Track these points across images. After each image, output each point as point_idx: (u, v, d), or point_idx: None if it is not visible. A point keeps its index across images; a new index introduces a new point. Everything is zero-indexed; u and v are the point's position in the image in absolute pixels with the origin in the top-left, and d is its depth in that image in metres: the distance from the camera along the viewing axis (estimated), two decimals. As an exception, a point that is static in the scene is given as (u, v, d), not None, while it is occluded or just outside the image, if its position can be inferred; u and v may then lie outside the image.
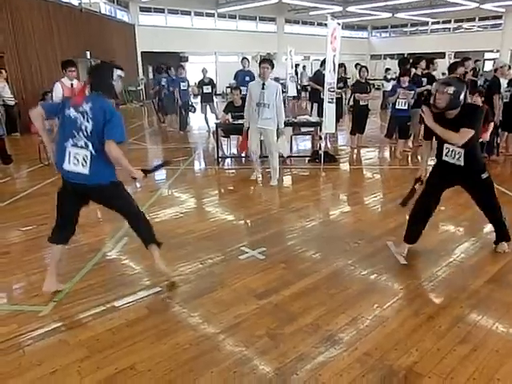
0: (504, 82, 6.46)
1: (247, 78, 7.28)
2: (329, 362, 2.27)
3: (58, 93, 5.66)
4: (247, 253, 3.57)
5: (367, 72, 7.68)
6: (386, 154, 7.76)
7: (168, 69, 10.37)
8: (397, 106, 6.83)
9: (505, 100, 6.41)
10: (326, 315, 2.68)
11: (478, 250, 3.63)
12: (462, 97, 3.04)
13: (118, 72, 2.75)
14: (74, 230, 2.93)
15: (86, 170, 2.65)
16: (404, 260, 3.40)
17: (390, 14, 22.64)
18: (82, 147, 2.64)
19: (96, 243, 3.81)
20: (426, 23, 25.86)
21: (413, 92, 6.72)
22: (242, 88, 7.10)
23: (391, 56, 25.80)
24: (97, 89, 2.71)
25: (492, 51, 22.62)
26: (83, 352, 2.35)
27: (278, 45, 23.06)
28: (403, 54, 19.78)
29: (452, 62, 7.04)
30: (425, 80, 7.28)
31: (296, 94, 12.86)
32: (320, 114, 6.89)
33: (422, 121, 3.27)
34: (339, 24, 6.55)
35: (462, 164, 3.15)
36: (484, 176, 3.26)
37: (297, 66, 14.22)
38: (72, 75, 5.83)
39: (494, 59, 18.46)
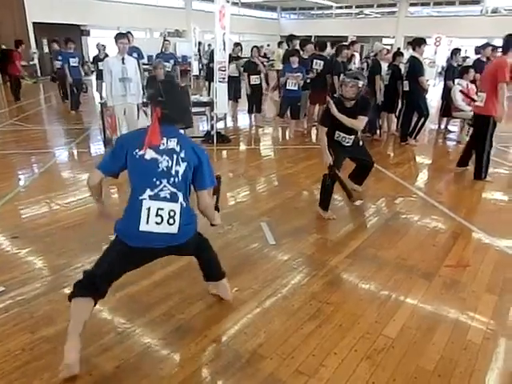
0: (384, 66, 6.86)
1: (135, 55, 6.82)
2: (174, 354, 2.18)
3: None
4: (114, 242, 3.34)
5: (258, 51, 7.63)
6: (281, 133, 7.88)
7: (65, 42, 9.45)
8: (287, 87, 6.92)
9: (385, 83, 6.81)
10: (182, 303, 2.59)
11: (345, 227, 3.81)
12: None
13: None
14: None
15: (174, 229, 2.02)
16: (273, 240, 3.44)
17: (296, -4, 23.05)
18: (166, 199, 2.00)
19: None
20: (331, 7, 26.82)
21: (301, 74, 6.84)
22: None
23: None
24: (175, 119, 2.07)
25: (389, 37, 24.23)
26: None
27: (187, 22, 22.20)
28: (310, 37, 20.29)
29: (338, 45, 7.23)
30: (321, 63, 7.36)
31: (198, 73, 12.53)
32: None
33: (327, 111, 3.80)
34: (228, 1, 6.39)
35: (350, 145, 3.94)
36: (361, 143, 4.19)
37: (200, 44, 13.79)
38: None
39: (390, 45, 19.75)
